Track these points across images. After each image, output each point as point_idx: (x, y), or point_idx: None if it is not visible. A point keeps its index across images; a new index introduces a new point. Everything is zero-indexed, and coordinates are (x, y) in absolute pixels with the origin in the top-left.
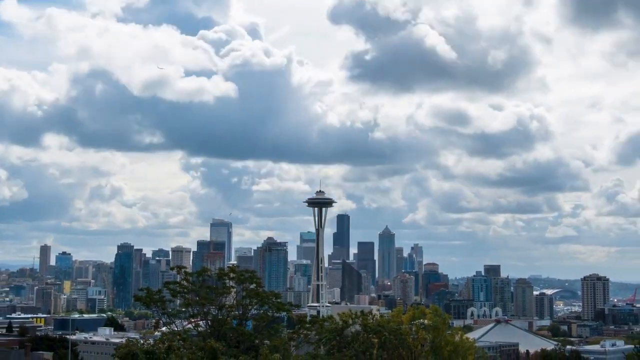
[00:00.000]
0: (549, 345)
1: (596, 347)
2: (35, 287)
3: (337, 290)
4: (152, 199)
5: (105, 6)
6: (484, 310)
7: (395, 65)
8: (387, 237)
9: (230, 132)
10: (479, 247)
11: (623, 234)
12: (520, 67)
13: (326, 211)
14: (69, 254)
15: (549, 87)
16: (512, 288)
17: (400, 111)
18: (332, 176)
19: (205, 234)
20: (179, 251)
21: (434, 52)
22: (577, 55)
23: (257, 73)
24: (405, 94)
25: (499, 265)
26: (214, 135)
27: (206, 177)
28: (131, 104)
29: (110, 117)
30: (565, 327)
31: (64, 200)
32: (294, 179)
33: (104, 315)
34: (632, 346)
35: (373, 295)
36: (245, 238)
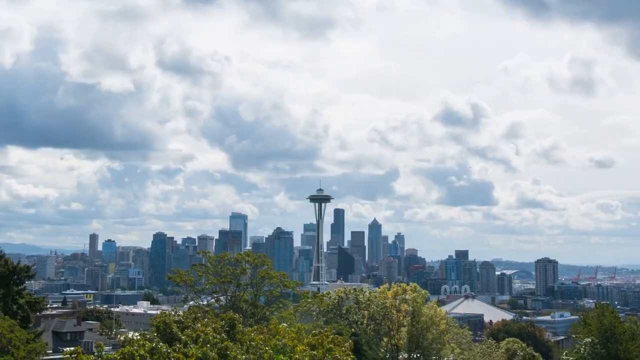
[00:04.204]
0: (509, 316)
1: (547, 318)
2: (86, 269)
3: (334, 271)
4: None
5: None
6: (455, 288)
7: None
8: (375, 227)
9: None
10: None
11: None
12: None
13: (325, 206)
14: (113, 241)
15: None
16: (478, 269)
17: None
18: None
19: None
20: (204, 239)
21: None
22: None
23: None
24: None
25: (467, 250)
26: None
27: None
28: None
29: None
30: (522, 301)
31: None
32: None
33: (142, 291)
34: (577, 317)
35: (363, 275)
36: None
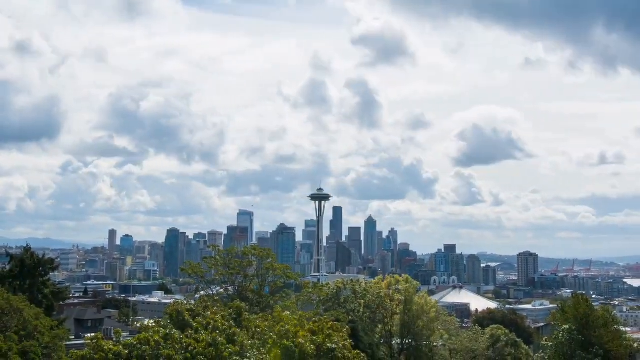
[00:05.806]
0: (493, 305)
1: (528, 306)
2: (105, 261)
3: (333, 264)
4: None
5: None
6: (444, 279)
7: None
8: (370, 223)
9: None
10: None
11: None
12: None
13: (324, 203)
14: (131, 236)
15: None
16: (465, 262)
17: None
18: None
19: None
20: (213, 234)
21: None
22: None
23: None
24: None
25: (455, 244)
26: None
27: None
28: None
29: None
30: (505, 291)
31: None
32: None
33: (157, 282)
34: (556, 305)
35: (360, 267)
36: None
